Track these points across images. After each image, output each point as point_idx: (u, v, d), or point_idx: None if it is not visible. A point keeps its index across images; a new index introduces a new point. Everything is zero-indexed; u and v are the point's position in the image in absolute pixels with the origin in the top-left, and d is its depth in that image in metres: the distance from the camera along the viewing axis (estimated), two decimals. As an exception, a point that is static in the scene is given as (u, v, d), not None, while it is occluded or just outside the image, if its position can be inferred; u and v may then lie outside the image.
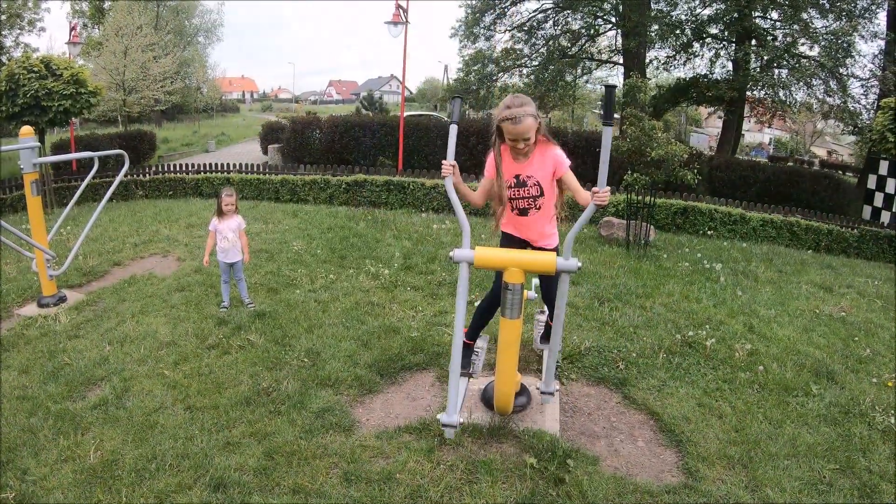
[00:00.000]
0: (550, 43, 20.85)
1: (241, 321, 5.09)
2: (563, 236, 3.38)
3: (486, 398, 3.81)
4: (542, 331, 4.36)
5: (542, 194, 3.35)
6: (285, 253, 7.20)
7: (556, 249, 3.54)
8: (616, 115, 8.76)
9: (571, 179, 3.32)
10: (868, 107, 15.91)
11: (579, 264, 2.93)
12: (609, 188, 2.90)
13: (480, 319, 3.89)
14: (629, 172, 8.52)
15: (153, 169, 12.46)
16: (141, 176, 12.16)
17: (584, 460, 3.34)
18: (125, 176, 11.91)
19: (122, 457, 3.27)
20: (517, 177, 3.35)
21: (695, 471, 3.35)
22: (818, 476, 3.39)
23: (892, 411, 4.16)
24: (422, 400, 3.98)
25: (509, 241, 3.57)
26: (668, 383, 4.31)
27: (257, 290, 5.96)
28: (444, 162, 3.17)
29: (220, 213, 5.44)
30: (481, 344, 4.20)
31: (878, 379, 4.77)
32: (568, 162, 3.32)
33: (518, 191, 3.37)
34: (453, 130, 3.27)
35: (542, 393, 3.63)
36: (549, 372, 3.55)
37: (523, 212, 3.43)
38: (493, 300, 3.75)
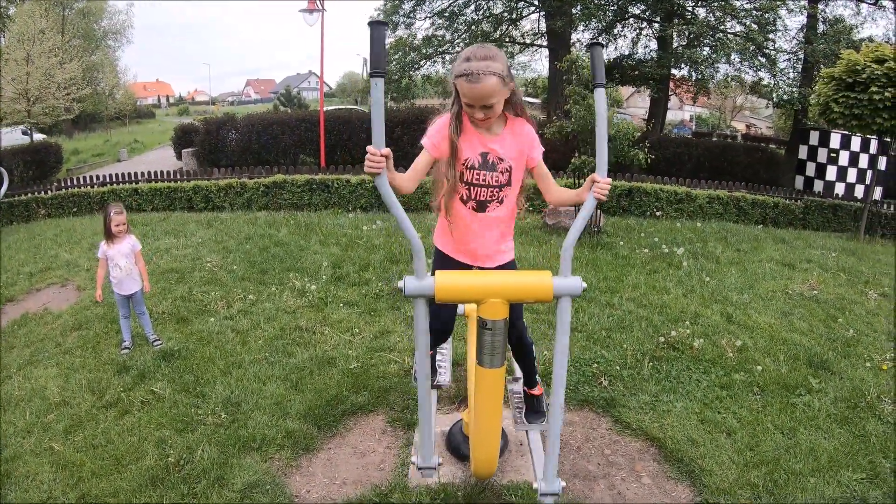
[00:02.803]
0: (473, 28, 20.25)
1: (144, 366, 4.16)
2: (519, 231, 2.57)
3: (454, 446, 3.05)
4: (521, 405, 3.06)
5: (509, 183, 2.47)
6: (198, 271, 6.19)
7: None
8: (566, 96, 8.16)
9: (546, 170, 2.51)
10: (795, 80, 16.02)
11: (584, 285, 2.09)
12: (609, 180, 2.14)
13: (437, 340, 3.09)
14: (577, 155, 7.95)
15: (56, 184, 11.12)
16: (42, 193, 10.91)
17: (587, 517, 2.67)
18: (24, 195, 10.68)
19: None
20: (484, 155, 2.41)
21: (717, 510, 2.76)
22: (848, 491, 2.98)
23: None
24: (373, 455, 3.17)
25: (444, 264, 2.59)
26: (662, 397, 3.69)
27: (165, 321, 5.00)
28: (369, 150, 1.97)
29: (110, 236, 4.48)
30: (445, 346, 3.34)
31: (871, 363, 4.44)
32: (542, 148, 2.50)
33: (481, 174, 2.42)
34: (377, 88, 1.88)
35: (542, 495, 2.35)
36: (550, 465, 2.31)
37: (481, 206, 2.47)
38: (441, 329, 2.80)
